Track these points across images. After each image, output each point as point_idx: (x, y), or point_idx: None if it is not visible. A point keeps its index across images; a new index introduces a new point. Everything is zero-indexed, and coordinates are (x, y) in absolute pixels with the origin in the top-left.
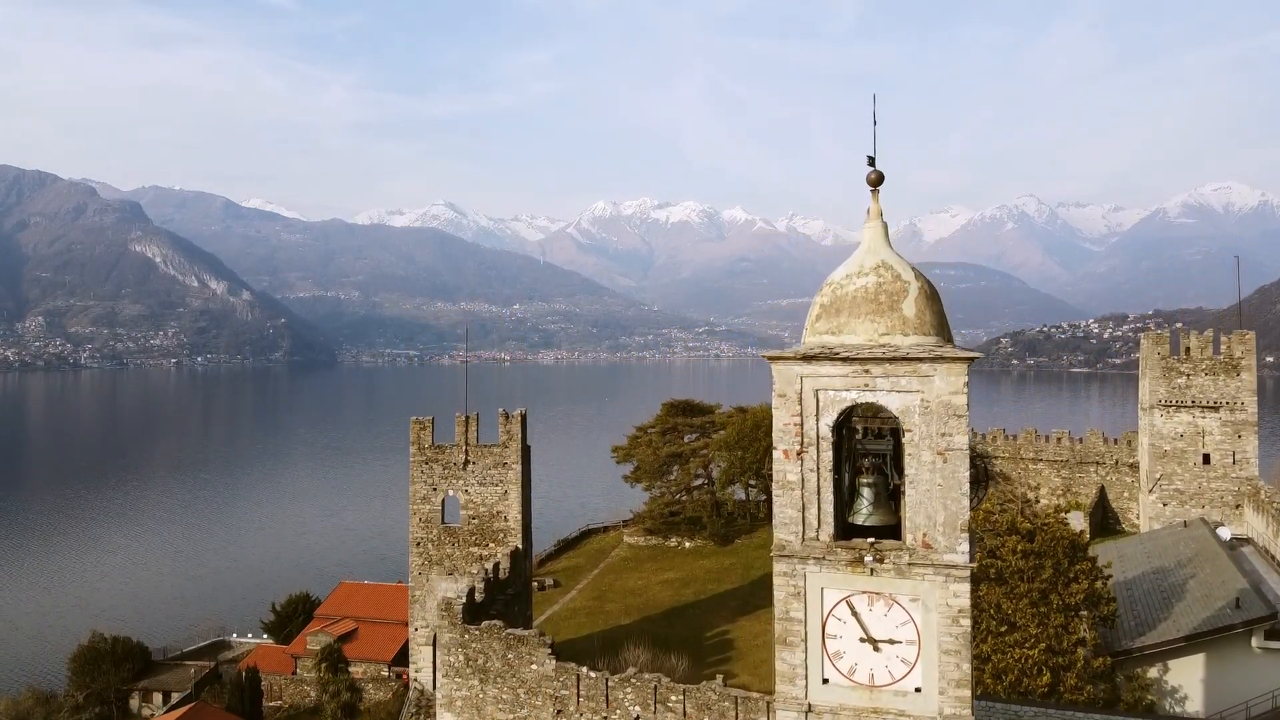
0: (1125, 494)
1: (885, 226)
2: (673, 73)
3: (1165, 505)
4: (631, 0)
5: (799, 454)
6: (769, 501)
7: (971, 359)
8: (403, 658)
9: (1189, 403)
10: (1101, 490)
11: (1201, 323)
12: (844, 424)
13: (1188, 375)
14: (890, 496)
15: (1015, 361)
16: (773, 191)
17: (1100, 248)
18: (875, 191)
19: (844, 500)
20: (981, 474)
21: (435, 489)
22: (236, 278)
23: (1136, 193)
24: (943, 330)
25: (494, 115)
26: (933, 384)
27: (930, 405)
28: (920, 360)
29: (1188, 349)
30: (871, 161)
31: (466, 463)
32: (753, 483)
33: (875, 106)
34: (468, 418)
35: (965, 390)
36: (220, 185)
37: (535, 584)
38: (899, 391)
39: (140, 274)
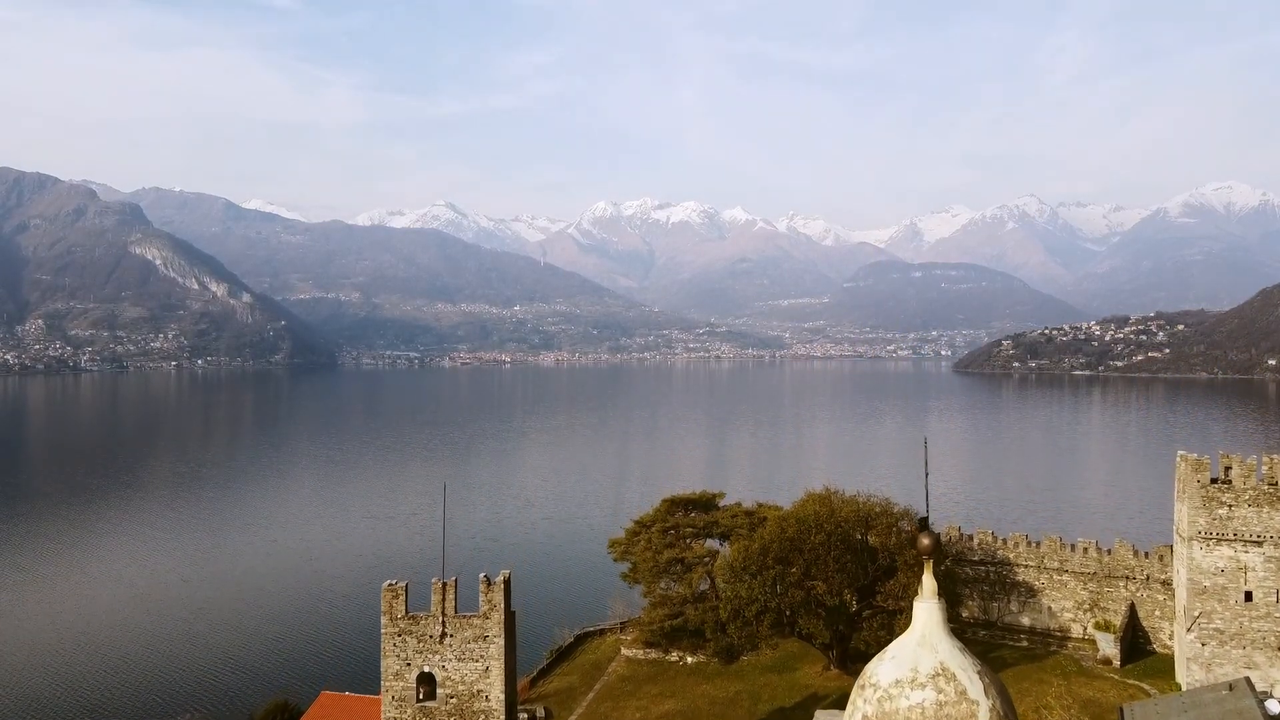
0: (1157, 612)
1: (944, 607)
2: (674, 72)
3: (1204, 645)
4: (633, 0)
5: None
6: (783, 626)
7: None
8: None
9: (1230, 536)
10: (1131, 608)
11: (1203, 325)
12: None
13: (1229, 506)
14: None
15: (1016, 364)
16: (773, 191)
17: (1101, 247)
18: (928, 561)
19: None
20: (1003, 584)
21: (409, 664)
22: (237, 280)
23: (1137, 192)
24: None
25: (495, 115)
26: None
27: None
28: None
29: (1227, 469)
30: (924, 524)
31: (444, 635)
32: (761, 613)
33: (927, 449)
34: (445, 584)
35: None
36: (220, 186)
37: (524, 715)
38: None
39: (140, 276)
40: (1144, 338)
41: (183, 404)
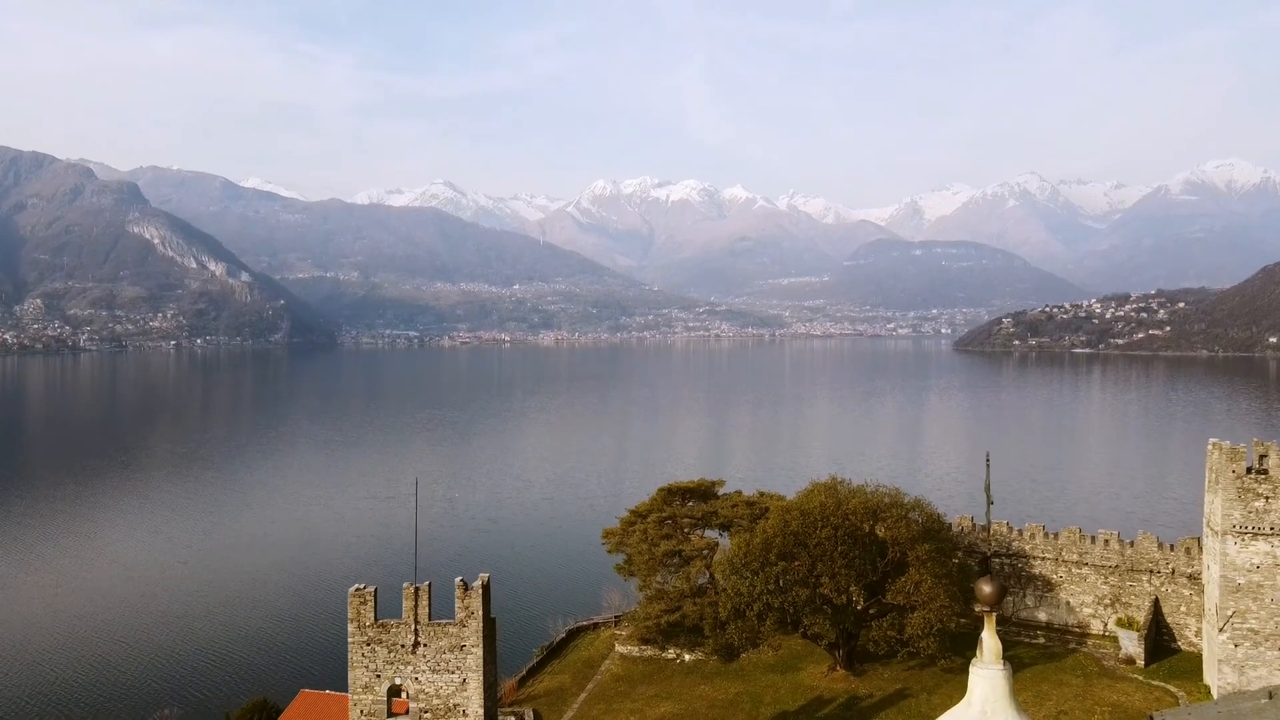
0: (1182, 607)
1: (1010, 675)
2: (675, 51)
3: (1237, 646)
4: None
5: None
6: (787, 625)
7: None
8: None
9: (1267, 529)
10: (1155, 603)
11: (1204, 302)
12: None
13: (1266, 498)
14: None
15: (1017, 342)
16: (774, 169)
17: (1102, 225)
18: (990, 615)
19: None
20: (1018, 577)
21: (379, 676)
22: (235, 259)
23: (1138, 170)
24: None
25: (494, 94)
26: None
27: None
28: None
29: (1262, 457)
30: (986, 565)
31: (416, 645)
32: (764, 613)
33: (989, 468)
34: (417, 589)
35: None
36: (219, 165)
37: (513, 718)
38: None
39: (138, 255)
40: (1144, 315)
41: (181, 384)
